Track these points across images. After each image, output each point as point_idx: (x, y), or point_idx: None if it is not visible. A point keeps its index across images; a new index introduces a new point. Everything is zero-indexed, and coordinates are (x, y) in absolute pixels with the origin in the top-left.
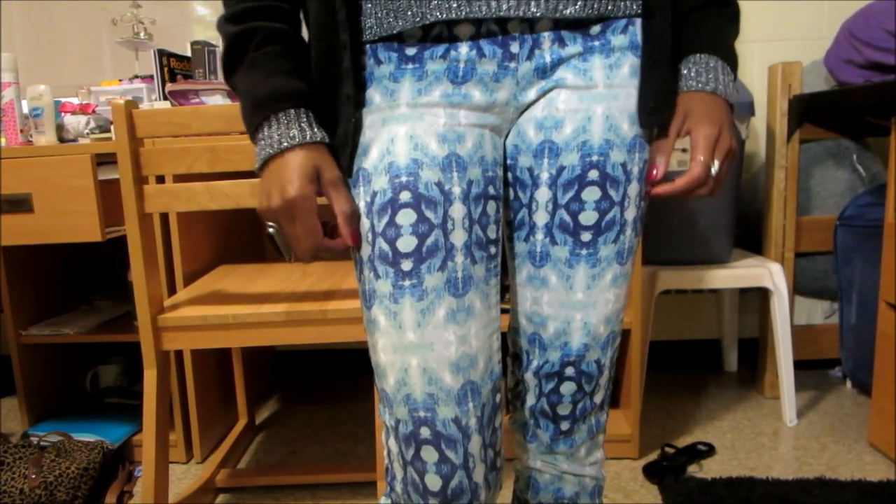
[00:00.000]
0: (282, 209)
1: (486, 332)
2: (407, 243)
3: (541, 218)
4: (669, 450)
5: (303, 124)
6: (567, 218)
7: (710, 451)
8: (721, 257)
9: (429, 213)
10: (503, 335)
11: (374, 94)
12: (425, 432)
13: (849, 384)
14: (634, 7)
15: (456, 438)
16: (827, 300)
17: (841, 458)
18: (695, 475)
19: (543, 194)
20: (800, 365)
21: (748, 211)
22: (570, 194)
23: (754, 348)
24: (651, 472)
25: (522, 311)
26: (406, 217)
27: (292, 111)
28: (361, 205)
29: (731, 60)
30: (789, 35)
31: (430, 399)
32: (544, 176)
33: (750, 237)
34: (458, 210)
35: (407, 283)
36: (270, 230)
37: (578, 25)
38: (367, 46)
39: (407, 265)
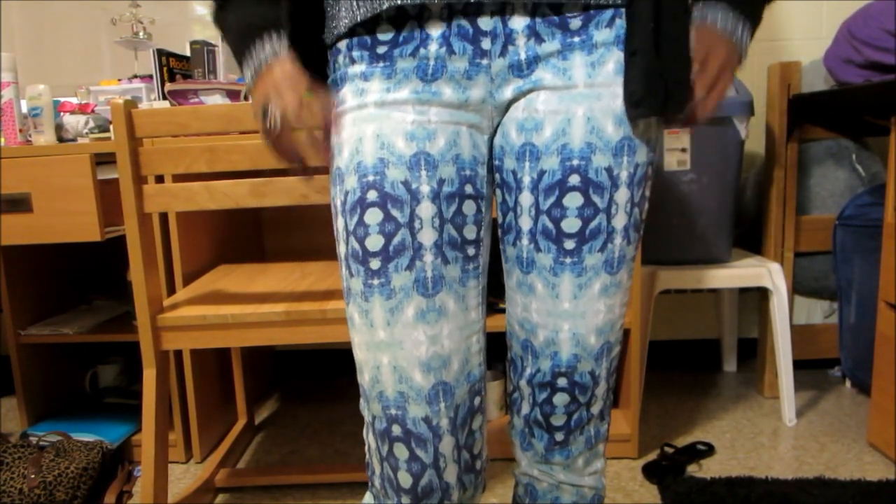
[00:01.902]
0: (269, 87)
1: (461, 333)
2: (374, 242)
3: (525, 223)
4: (669, 449)
5: (275, 45)
6: (549, 224)
7: (709, 450)
8: (720, 257)
9: (395, 212)
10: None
11: (346, 94)
12: (397, 430)
13: (848, 384)
14: None
15: (426, 437)
16: (826, 300)
17: (840, 457)
18: (694, 475)
19: (526, 199)
20: (799, 365)
21: (748, 211)
22: (552, 200)
23: (754, 348)
24: (650, 471)
25: (514, 315)
26: (373, 216)
27: (266, 38)
28: (337, 203)
29: (753, 17)
30: (789, 35)
31: (400, 397)
32: (526, 180)
33: (749, 237)
34: (426, 209)
35: (376, 281)
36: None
37: (557, 18)
38: (343, 45)
39: (375, 264)
